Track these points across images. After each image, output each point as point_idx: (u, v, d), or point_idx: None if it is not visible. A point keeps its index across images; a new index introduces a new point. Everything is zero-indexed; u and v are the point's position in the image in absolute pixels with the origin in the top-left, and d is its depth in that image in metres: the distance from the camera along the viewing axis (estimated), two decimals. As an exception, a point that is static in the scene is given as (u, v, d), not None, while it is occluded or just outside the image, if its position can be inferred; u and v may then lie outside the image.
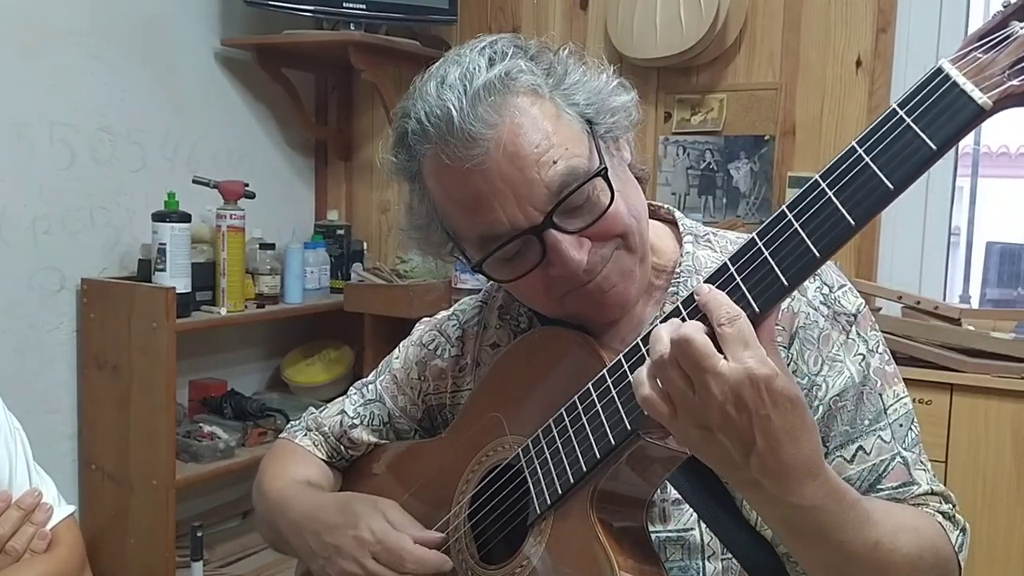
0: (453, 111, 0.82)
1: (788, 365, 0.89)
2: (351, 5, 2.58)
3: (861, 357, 0.91)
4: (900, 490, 0.88)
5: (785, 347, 0.90)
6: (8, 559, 1.23)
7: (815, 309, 0.91)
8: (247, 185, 2.45)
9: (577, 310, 0.90)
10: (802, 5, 2.38)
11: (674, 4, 2.34)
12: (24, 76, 2.20)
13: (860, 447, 0.88)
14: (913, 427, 0.92)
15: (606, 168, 0.85)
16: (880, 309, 2.17)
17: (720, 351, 0.67)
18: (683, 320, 0.73)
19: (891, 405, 0.91)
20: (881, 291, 2.15)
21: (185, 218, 2.29)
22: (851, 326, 0.91)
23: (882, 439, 0.89)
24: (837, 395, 0.89)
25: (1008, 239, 2.49)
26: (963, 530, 0.88)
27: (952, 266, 2.37)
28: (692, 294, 0.72)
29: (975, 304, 2.47)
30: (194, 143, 2.62)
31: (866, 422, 0.89)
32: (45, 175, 2.27)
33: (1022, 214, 2.46)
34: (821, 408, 0.88)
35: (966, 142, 2.54)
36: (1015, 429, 1.88)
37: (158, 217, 2.27)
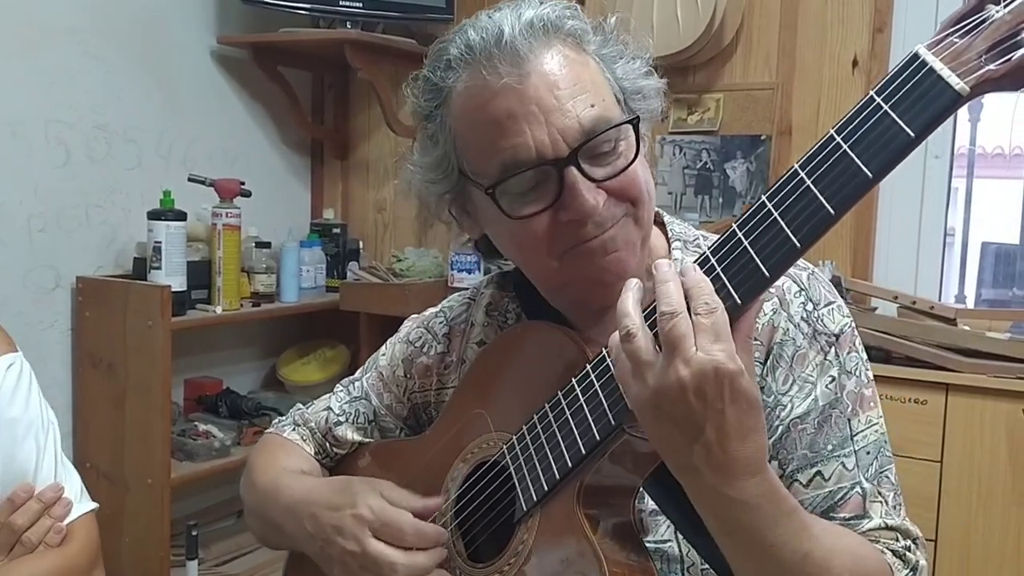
0: (505, 28, 0.83)
1: (756, 380, 0.87)
2: (348, 3, 2.58)
3: (832, 379, 0.89)
4: (851, 522, 0.86)
5: (761, 362, 0.89)
6: (22, 550, 1.24)
7: (795, 326, 0.89)
8: (243, 183, 2.44)
9: (575, 275, 0.88)
10: (798, 5, 2.38)
11: (671, 4, 2.34)
12: (19, 74, 2.20)
13: (819, 472, 0.86)
14: (879, 457, 0.89)
15: (639, 118, 0.87)
16: (876, 309, 2.17)
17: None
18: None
19: (861, 431, 0.88)
20: (877, 291, 2.15)
21: (181, 216, 2.29)
22: (830, 347, 0.89)
23: (844, 466, 0.87)
24: (798, 417, 0.87)
25: (1003, 240, 2.49)
26: (914, 569, 0.85)
27: (948, 266, 2.37)
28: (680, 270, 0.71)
29: (970, 304, 2.47)
30: (190, 141, 2.61)
31: (829, 447, 0.87)
32: (40, 173, 2.27)
33: (1017, 215, 2.45)
34: (780, 428, 0.87)
35: (961, 143, 2.54)
36: (1010, 429, 1.88)
37: (153, 215, 2.27)
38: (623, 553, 0.80)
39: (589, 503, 0.82)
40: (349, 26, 2.60)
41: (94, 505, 1.36)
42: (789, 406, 0.87)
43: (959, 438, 1.92)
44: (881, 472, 0.89)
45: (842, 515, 0.86)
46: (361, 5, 2.59)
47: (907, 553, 0.86)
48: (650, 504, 0.88)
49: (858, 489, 0.87)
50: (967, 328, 1.99)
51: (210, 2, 2.65)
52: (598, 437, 0.78)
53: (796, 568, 0.74)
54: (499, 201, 0.86)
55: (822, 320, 0.90)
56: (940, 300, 2.24)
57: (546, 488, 0.83)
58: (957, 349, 1.95)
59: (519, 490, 0.86)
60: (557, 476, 0.82)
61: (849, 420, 0.88)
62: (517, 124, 0.83)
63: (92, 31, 2.35)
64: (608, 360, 0.77)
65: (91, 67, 2.35)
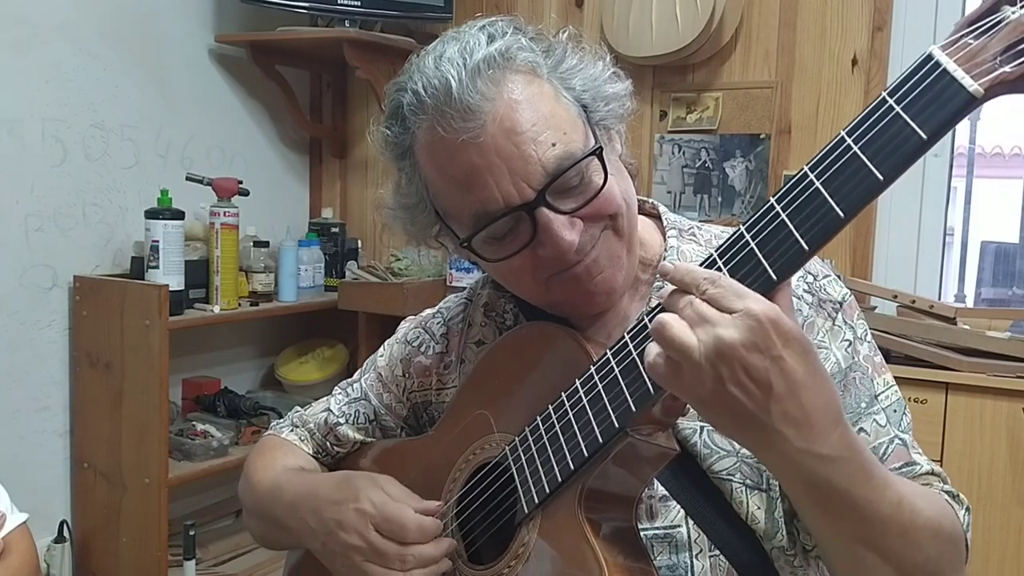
0: (452, 82, 0.82)
1: None
2: (346, 2, 2.57)
3: (848, 343, 0.90)
4: (903, 470, 0.86)
5: None
6: None
7: (799, 297, 0.91)
8: (241, 182, 2.44)
9: (563, 296, 0.89)
10: (798, 4, 2.38)
11: (670, 2, 2.33)
12: (15, 71, 2.19)
13: (861, 429, 0.87)
14: (906, 413, 0.91)
15: (602, 148, 0.86)
16: (875, 308, 2.16)
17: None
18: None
19: (883, 392, 0.90)
20: (876, 290, 2.14)
21: (178, 215, 2.28)
22: (836, 313, 0.91)
23: (878, 423, 0.88)
24: None
25: (1002, 239, 2.49)
26: (967, 509, 0.86)
27: (947, 265, 2.37)
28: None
29: (970, 303, 2.47)
30: (187, 140, 2.61)
31: (862, 405, 0.88)
32: (37, 172, 2.26)
33: (1016, 214, 2.45)
34: None
35: (961, 142, 2.54)
36: (1010, 428, 1.87)
37: (151, 214, 2.27)
38: (624, 556, 0.80)
39: (591, 506, 0.81)
40: (347, 25, 2.59)
41: (25, 516, 1.35)
42: None
43: (959, 437, 1.91)
44: (910, 427, 0.90)
45: (892, 466, 0.86)
46: (359, 4, 2.58)
47: (959, 494, 0.86)
48: (660, 490, 0.88)
49: (898, 440, 0.88)
50: (967, 327, 1.98)
51: (208, 1, 2.64)
52: (601, 439, 0.78)
53: (894, 518, 0.72)
54: (476, 251, 0.87)
55: (824, 289, 0.92)
56: (940, 299, 2.24)
57: (548, 490, 0.83)
58: (957, 348, 1.95)
59: (521, 491, 0.86)
60: (559, 478, 0.82)
61: (872, 380, 0.89)
62: (481, 178, 0.83)
63: (89, 29, 2.34)
64: (616, 372, 0.77)
65: (88, 65, 2.34)
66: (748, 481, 0.87)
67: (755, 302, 0.65)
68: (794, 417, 0.66)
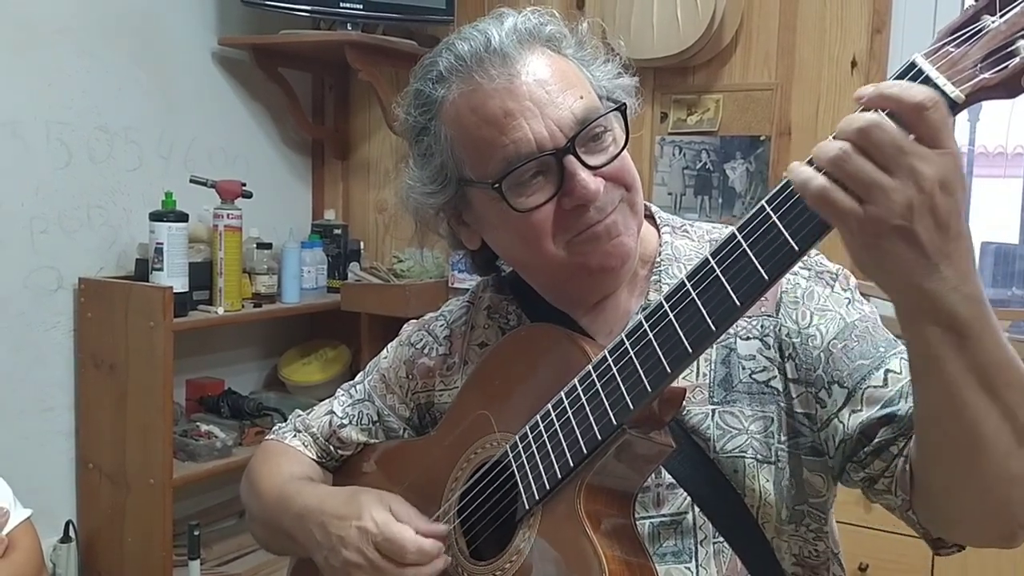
0: (492, 34, 0.90)
1: (776, 329, 0.91)
2: (348, 5, 2.59)
3: (848, 301, 0.92)
4: None
5: (772, 315, 0.92)
6: None
7: (794, 273, 0.93)
8: (244, 185, 2.45)
9: (581, 259, 0.91)
10: (798, 6, 2.39)
11: (671, 4, 2.34)
12: (19, 74, 2.21)
13: (887, 370, 0.85)
14: None
15: (626, 105, 0.92)
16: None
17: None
18: (664, 305, 0.75)
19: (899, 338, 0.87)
20: (876, 290, 2.14)
21: (182, 217, 2.30)
22: (834, 281, 0.94)
23: (904, 359, 0.84)
24: (834, 337, 0.89)
25: (1003, 239, 2.49)
26: None
27: (947, 266, 2.36)
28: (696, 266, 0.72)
29: (970, 304, 2.46)
30: (191, 142, 2.62)
31: (882, 349, 0.87)
32: (42, 174, 2.27)
33: (1016, 214, 2.46)
34: (822, 355, 0.88)
35: (961, 141, 2.54)
36: (1009, 428, 1.88)
37: (155, 216, 2.28)
38: (623, 552, 0.81)
39: (590, 502, 0.83)
40: (349, 28, 2.60)
41: (29, 511, 1.35)
42: (818, 334, 0.90)
43: (958, 437, 1.91)
44: None
45: None
46: (361, 7, 2.60)
47: None
48: (667, 478, 0.90)
49: None
50: (966, 327, 1.98)
51: (211, 4, 2.65)
52: (600, 436, 0.80)
53: (1016, 369, 0.70)
54: (506, 195, 0.88)
55: (820, 263, 0.95)
56: (939, 299, 2.24)
57: (548, 487, 0.85)
58: (956, 348, 1.94)
59: (521, 488, 0.87)
60: (559, 475, 0.83)
61: (884, 329, 0.90)
62: (515, 120, 0.87)
63: (91, 31, 2.35)
64: (613, 370, 0.77)
65: (92, 68, 2.36)
66: (759, 456, 0.90)
67: (955, 143, 0.62)
68: (955, 260, 0.64)
